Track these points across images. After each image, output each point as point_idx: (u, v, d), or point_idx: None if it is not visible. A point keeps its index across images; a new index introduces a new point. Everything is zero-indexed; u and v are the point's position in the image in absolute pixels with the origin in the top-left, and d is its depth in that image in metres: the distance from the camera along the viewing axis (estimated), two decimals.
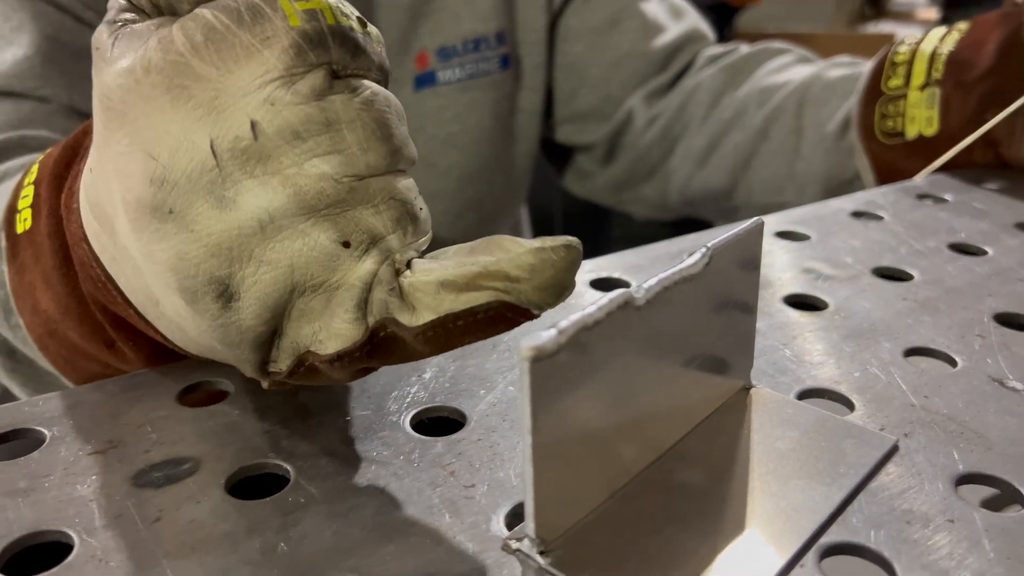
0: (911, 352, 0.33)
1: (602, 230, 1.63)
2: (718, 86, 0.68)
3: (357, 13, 0.25)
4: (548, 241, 0.22)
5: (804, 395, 0.30)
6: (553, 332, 0.20)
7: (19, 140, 0.47)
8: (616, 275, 0.40)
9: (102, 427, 0.28)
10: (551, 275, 0.22)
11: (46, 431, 0.28)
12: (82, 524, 0.24)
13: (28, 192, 0.31)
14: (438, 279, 0.23)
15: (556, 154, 0.78)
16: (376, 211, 0.24)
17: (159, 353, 0.30)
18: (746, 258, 0.28)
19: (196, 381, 0.30)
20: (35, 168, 0.32)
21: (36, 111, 0.50)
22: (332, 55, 0.23)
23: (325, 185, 0.23)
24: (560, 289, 0.23)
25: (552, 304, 0.23)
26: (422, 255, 0.25)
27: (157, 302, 0.26)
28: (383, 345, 0.24)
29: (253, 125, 0.23)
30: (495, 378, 0.31)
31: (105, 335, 0.30)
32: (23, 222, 0.31)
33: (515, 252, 0.22)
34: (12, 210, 0.32)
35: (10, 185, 0.36)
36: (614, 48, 0.70)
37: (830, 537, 0.23)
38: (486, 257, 0.23)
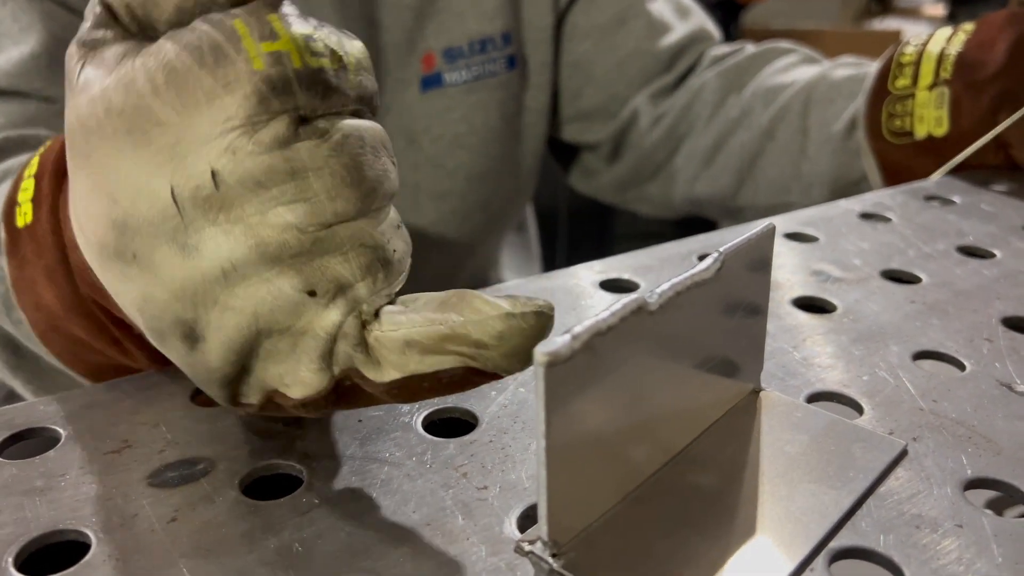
0: (920, 355, 0.33)
1: (607, 228, 1.63)
2: (724, 86, 0.69)
3: (332, 45, 0.24)
4: (519, 306, 0.22)
5: (813, 398, 0.30)
6: (567, 337, 0.21)
7: (21, 139, 0.47)
8: (626, 276, 0.40)
9: (117, 427, 0.28)
10: (518, 343, 0.22)
11: (61, 430, 0.28)
12: (99, 523, 0.24)
13: (29, 185, 0.31)
14: (404, 338, 0.23)
15: (562, 152, 0.78)
16: (344, 259, 0.23)
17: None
18: (757, 261, 0.28)
19: None
20: (35, 161, 0.31)
21: (41, 111, 0.50)
22: (298, 100, 0.22)
23: (288, 236, 0.23)
24: (527, 356, 0.22)
25: (519, 370, 0.23)
26: (397, 295, 0.24)
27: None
28: (348, 393, 0.24)
29: (214, 174, 0.22)
30: (506, 380, 0.31)
31: (110, 333, 0.31)
32: (23, 216, 0.31)
33: (484, 315, 0.22)
34: (12, 203, 0.31)
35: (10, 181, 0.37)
36: (620, 47, 0.70)
37: (839, 541, 0.24)
38: (455, 316, 0.22)
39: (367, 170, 0.24)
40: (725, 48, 0.72)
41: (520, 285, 0.38)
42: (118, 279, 0.24)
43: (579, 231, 1.61)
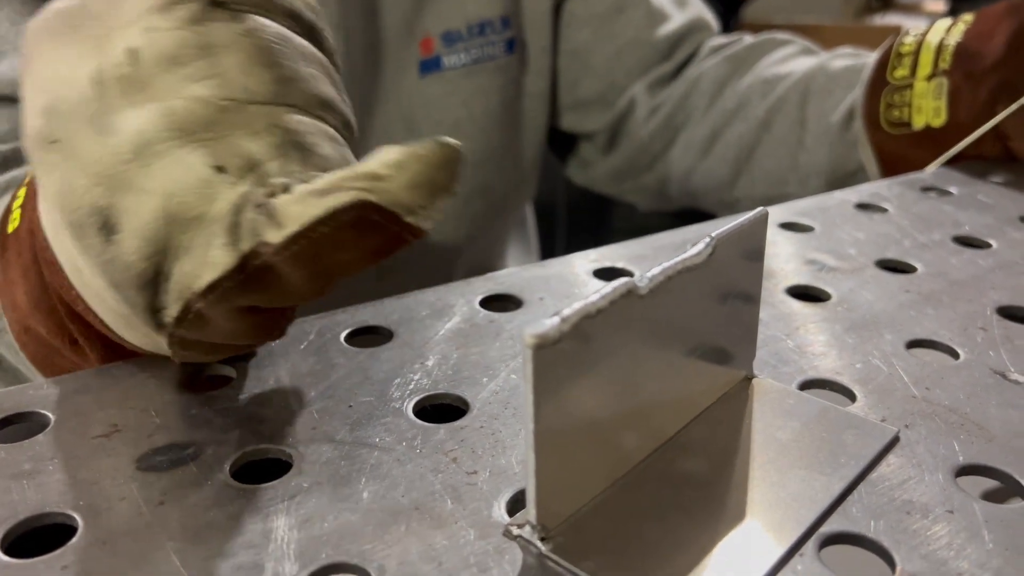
0: (913, 344, 0.33)
1: (604, 223, 1.63)
2: (721, 76, 0.68)
3: None
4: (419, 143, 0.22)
5: (806, 385, 0.30)
6: (556, 320, 0.21)
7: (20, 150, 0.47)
8: (620, 265, 0.40)
9: (106, 412, 0.28)
10: (418, 171, 0.21)
11: (50, 415, 0.28)
12: (86, 507, 0.24)
13: (22, 193, 0.31)
14: (306, 190, 0.22)
15: (559, 143, 0.78)
16: (254, 135, 0.23)
17: (111, 349, 0.30)
18: (750, 248, 0.28)
19: (201, 365, 0.31)
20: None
21: None
22: None
23: (198, 107, 0.23)
24: (431, 188, 0.22)
25: (423, 206, 0.22)
26: None
27: (79, 269, 0.25)
28: (257, 276, 0.23)
29: (132, 52, 0.23)
30: (497, 366, 0.31)
31: (68, 332, 0.30)
32: (13, 222, 0.31)
33: (384, 153, 0.22)
34: (7, 211, 0.32)
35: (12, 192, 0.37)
36: (618, 36, 0.70)
37: (830, 527, 0.23)
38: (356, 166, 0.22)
39: (281, 58, 0.24)
40: (723, 39, 0.72)
41: (513, 273, 0.38)
42: (43, 171, 0.24)
43: (577, 226, 1.61)
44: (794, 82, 0.64)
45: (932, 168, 0.53)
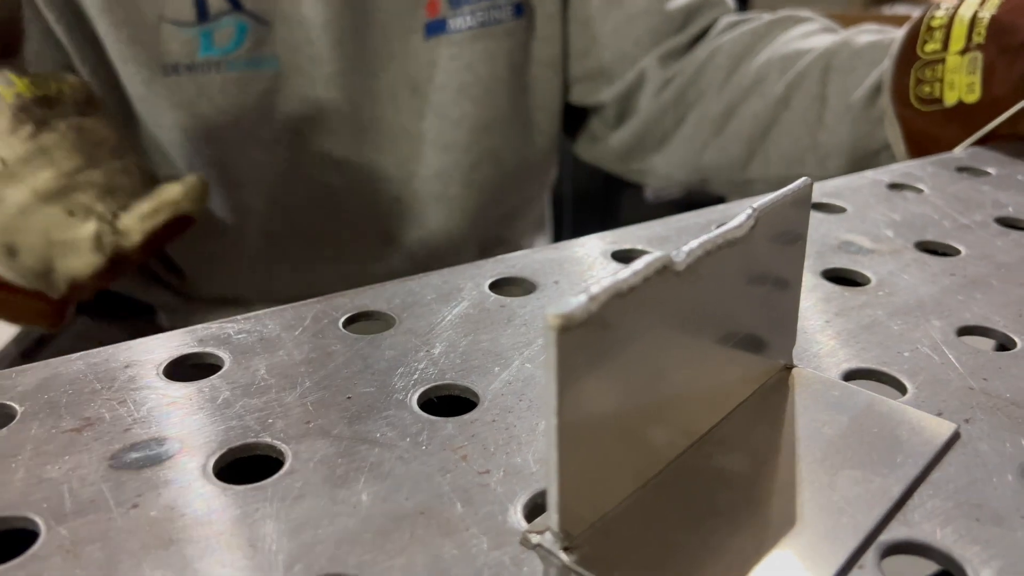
0: (964, 331, 0.30)
1: (612, 214, 1.60)
2: (738, 51, 0.65)
3: (50, 80, 0.46)
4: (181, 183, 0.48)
5: (850, 376, 0.28)
6: (583, 298, 0.18)
7: None
8: (640, 247, 0.37)
9: (79, 403, 0.25)
10: (194, 193, 0.48)
11: (17, 406, 0.25)
12: (50, 510, 0.21)
13: None
14: (138, 215, 0.46)
15: (570, 118, 0.75)
16: (85, 193, 0.45)
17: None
18: (792, 224, 0.25)
19: (185, 353, 0.28)
20: None
21: None
22: (34, 114, 0.44)
23: (50, 184, 0.44)
24: (201, 201, 0.48)
25: (196, 210, 0.48)
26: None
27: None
28: (118, 264, 0.46)
29: (2, 160, 0.43)
30: (510, 354, 0.28)
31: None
32: None
33: (173, 190, 0.47)
34: None
35: None
36: (629, 5, 0.67)
37: (890, 534, 0.21)
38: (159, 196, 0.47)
39: (86, 143, 0.45)
40: (740, 15, 0.69)
41: (526, 255, 0.35)
42: None
43: (584, 218, 1.59)
44: (815, 57, 0.61)
45: (964, 147, 0.51)
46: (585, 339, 0.18)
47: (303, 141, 0.61)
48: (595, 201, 1.61)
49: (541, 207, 0.80)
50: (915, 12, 0.55)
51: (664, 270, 0.20)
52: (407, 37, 0.61)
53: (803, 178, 0.25)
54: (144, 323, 0.70)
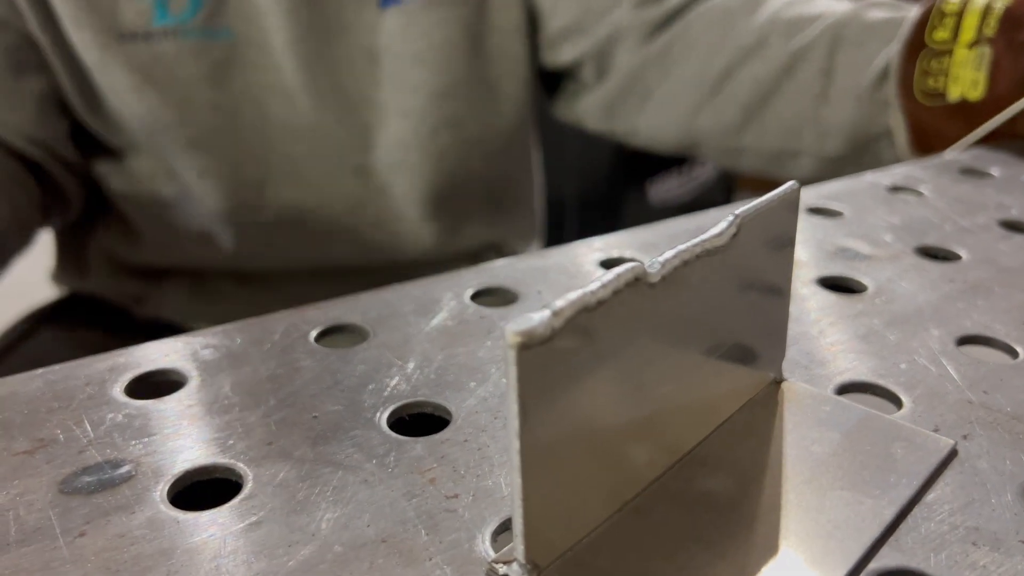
0: (965, 341, 0.29)
1: (615, 217, 1.59)
2: (735, 7, 0.63)
3: None
4: None
5: (844, 390, 0.26)
6: (546, 314, 0.17)
7: None
8: (628, 254, 0.36)
9: (34, 422, 0.24)
10: None
11: None
12: None
13: None
14: None
15: (553, 84, 0.73)
16: None
17: None
18: (779, 231, 0.24)
19: (149, 371, 0.27)
20: None
21: None
22: None
23: None
24: None
25: None
26: None
27: None
28: None
29: None
30: (488, 368, 0.27)
31: None
32: None
33: None
34: None
35: None
36: None
37: (881, 561, 0.19)
38: None
39: None
40: None
41: (510, 263, 0.34)
42: None
43: (587, 221, 1.57)
44: (825, 27, 0.58)
45: (961, 147, 0.49)
46: (549, 357, 0.17)
47: (262, 111, 0.61)
48: (598, 205, 1.59)
49: (530, 208, 0.79)
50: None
51: (637, 281, 0.19)
52: (361, 8, 0.62)
53: (791, 182, 0.24)
54: (119, 320, 0.69)
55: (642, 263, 0.19)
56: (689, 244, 0.20)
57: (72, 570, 0.19)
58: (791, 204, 0.24)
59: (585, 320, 0.18)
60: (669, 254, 0.20)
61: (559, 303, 0.17)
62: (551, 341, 0.17)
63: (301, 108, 0.62)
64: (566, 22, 0.67)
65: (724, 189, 1.78)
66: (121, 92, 0.57)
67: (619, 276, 0.18)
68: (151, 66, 0.57)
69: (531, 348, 0.16)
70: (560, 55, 0.69)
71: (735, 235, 0.21)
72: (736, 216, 0.21)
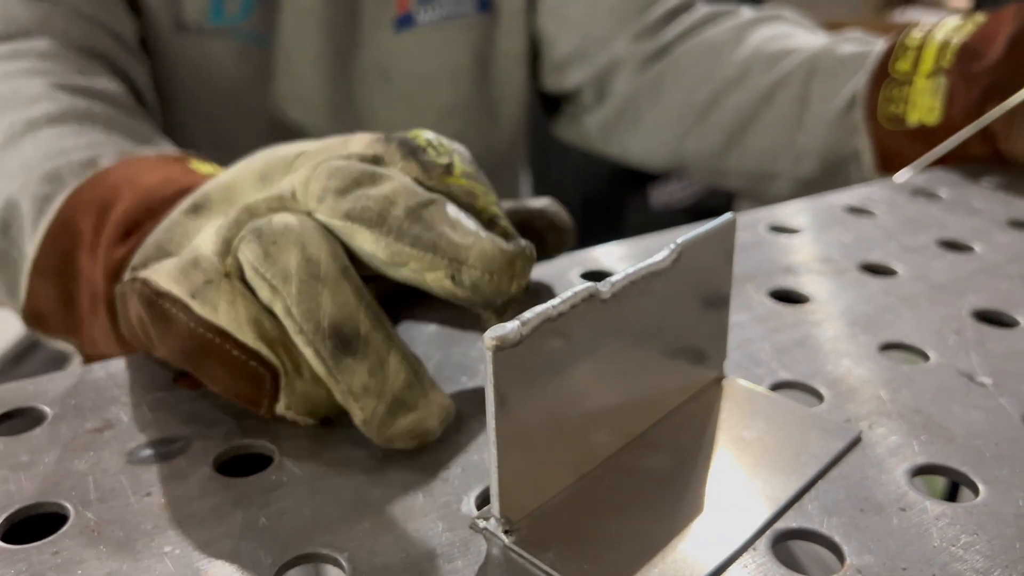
0: (887, 346, 0.34)
1: (618, 220, 1.64)
2: (722, 42, 0.69)
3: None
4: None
5: (777, 387, 0.31)
6: (516, 323, 0.22)
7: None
8: (609, 267, 0.41)
9: (100, 407, 0.29)
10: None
11: (48, 410, 0.29)
12: (78, 497, 0.25)
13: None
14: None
15: (553, 105, 0.79)
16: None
17: None
18: (719, 252, 0.29)
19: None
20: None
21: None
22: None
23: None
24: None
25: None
26: None
27: None
28: None
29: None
30: (478, 366, 0.32)
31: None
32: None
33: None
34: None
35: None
36: None
37: (785, 523, 0.24)
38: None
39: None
40: (720, 8, 0.72)
41: None
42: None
43: (591, 224, 1.62)
44: (801, 60, 0.64)
45: (911, 170, 0.54)
46: (518, 357, 0.22)
47: (286, 116, 0.66)
48: (601, 209, 1.64)
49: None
50: (927, 18, 0.58)
51: (591, 298, 0.24)
52: (377, 31, 0.67)
53: (727, 214, 0.29)
54: None
55: (596, 284, 0.24)
56: (636, 267, 0.25)
57: (145, 521, 0.24)
58: (727, 233, 0.29)
59: (549, 328, 0.23)
60: (618, 276, 0.25)
61: (527, 315, 0.22)
62: (520, 345, 0.22)
63: (319, 120, 0.67)
64: (570, 49, 0.73)
65: (725, 194, 1.83)
66: (169, 79, 0.62)
67: (576, 294, 0.23)
68: (200, 60, 0.61)
69: (504, 350, 0.21)
70: (565, 80, 0.75)
71: (676, 260, 0.26)
72: (677, 244, 0.26)
